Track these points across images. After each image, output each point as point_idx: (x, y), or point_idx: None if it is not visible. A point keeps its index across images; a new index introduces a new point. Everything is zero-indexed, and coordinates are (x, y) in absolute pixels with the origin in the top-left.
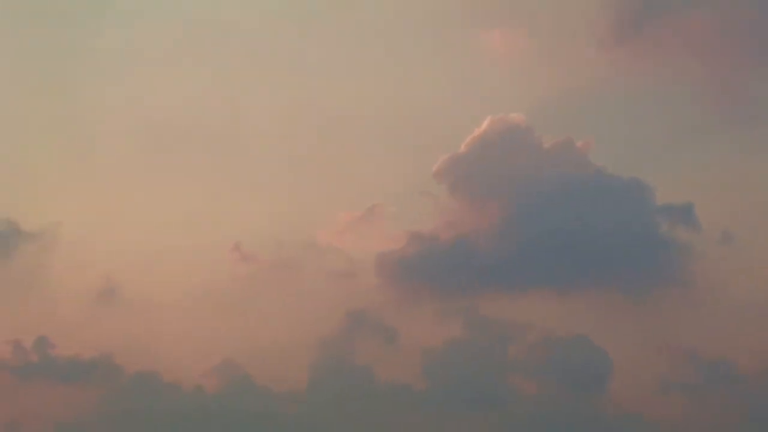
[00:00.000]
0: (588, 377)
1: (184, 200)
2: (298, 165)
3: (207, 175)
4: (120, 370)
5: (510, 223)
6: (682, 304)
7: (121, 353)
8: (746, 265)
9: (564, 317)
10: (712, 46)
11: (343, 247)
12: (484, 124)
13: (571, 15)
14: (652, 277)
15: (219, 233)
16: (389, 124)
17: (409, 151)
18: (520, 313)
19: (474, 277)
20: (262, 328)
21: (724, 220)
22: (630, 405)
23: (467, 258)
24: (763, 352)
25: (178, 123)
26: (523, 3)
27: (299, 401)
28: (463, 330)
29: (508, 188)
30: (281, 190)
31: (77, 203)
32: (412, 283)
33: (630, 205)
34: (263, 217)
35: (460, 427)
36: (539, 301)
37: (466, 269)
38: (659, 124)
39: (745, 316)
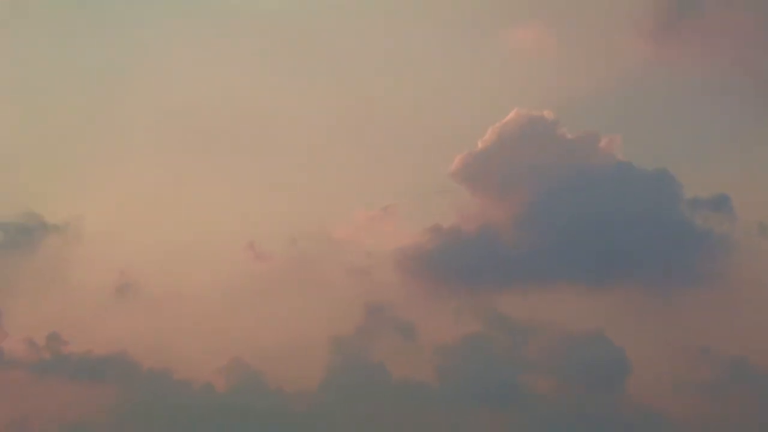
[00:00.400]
0: (606, 376)
1: (204, 196)
2: (318, 162)
3: (227, 172)
4: (134, 367)
5: (532, 218)
6: (711, 301)
7: (135, 350)
8: None
9: (584, 314)
10: (746, 39)
11: (361, 243)
12: (506, 119)
13: (601, 10)
14: (680, 273)
15: (235, 230)
16: (414, 120)
17: (432, 148)
18: (538, 310)
19: (493, 273)
20: (277, 325)
21: (761, 211)
22: (649, 404)
23: (487, 253)
24: None
25: (202, 119)
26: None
27: (311, 400)
28: (481, 326)
29: (530, 182)
30: (300, 186)
31: (100, 197)
32: (430, 278)
33: (658, 198)
34: (279, 214)
35: (476, 426)
36: (559, 297)
37: (485, 265)
38: (689, 118)
39: None
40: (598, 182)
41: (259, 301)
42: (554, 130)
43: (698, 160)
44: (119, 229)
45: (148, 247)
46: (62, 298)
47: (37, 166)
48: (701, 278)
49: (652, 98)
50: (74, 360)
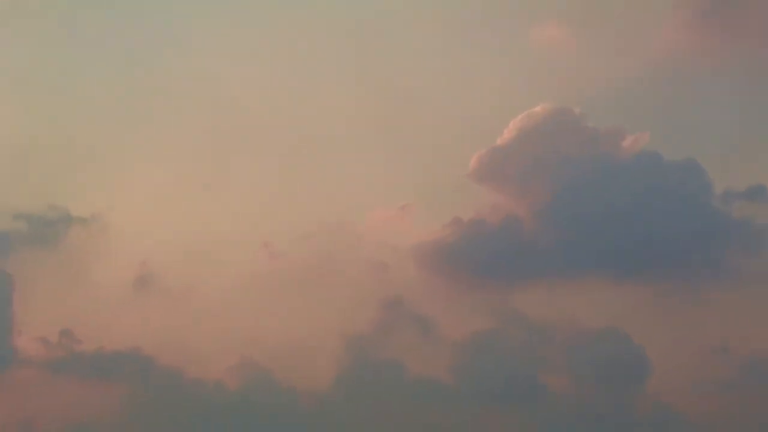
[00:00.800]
0: (625, 374)
1: (225, 192)
2: (337, 158)
3: (249, 169)
4: (149, 363)
5: (554, 211)
6: (737, 298)
7: (150, 346)
8: None
9: (604, 310)
10: None
11: (380, 239)
12: (532, 111)
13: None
14: (708, 267)
15: (253, 227)
16: (436, 116)
17: (453, 144)
18: (557, 307)
19: (512, 268)
20: (293, 322)
21: None
22: (669, 403)
23: (507, 248)
24: None
25: (227, 116)
26: None
27: (325, 398)
28: (499, 323)
29: (553, 175)
30: (321, 183)
31: (125, 191)
32: (449, 273)
33: (687, 191)
34: (297, 211)
35: (493, 424)
36: (578, 293)
37: (504, 260)
38: (719, 110)
39: None
40: (623, 174)
41: (275, 298)
42: (580, 123)
43: (731, 152)
44: (142, 222)
45: (169, 241)
46: (80, 293)
47: (63, 159)
48: (730, 273)
49: (680, 90)
50: (88, 357)
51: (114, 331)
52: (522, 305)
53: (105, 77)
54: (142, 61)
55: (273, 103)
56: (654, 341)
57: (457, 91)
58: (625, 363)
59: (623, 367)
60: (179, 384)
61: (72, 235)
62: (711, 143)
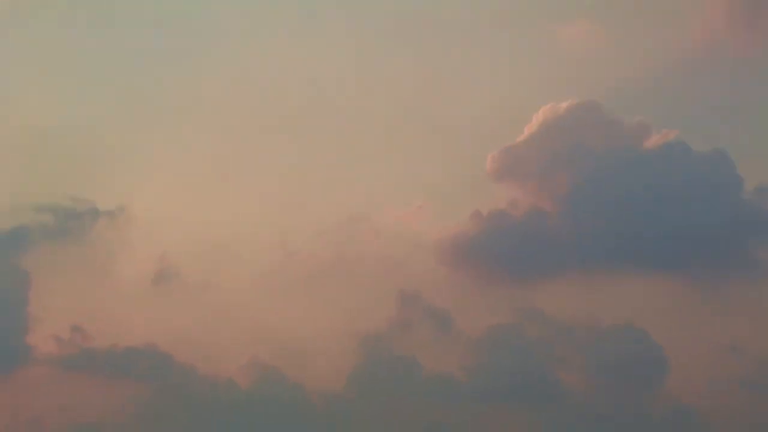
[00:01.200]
0: (643, 372)
1: (246, 187)
2: (359, 153)
3: (271, 163)
4: (166, 359)
5: (574, 206)
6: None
7: (166, 343)
8: None
9: (622, 308)
10: None
11: (399, 234)
12: (552, 108)
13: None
14: (733, 262)
15: (271, 224)
16: (461, 110)
17: (476, 138)
18: (576, 303)
19: (532, 263)
20: (311, 317)
21: None
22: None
23: (526, 243)
24: None
25: (251, 111)
26: None
27: (338, 395)
28: (515, 319)
29: (574, 169)
30: (340, 178)
31: (149, 184)
32: (468, 269)
33: (715, 183)
34: (315, 208)
35: (511, 422)
36: (597, 289)
37: (523, 254)
38: (747, 104)
39: None
40: (649, 166)
41: (292, 294)
42: (606, 117)
43: (761, 145)
44: (162, 216)
45: (189, 235)
46: (98, 289)
47: (88, 151)
48: (756, 268)
49: (709, 83)
50: (102, 354)
51: (130, 328)
52: (540, 301)
53: (130, 70)
54: (168, 54)
55: (293, 100)
56: (673, 338)
57: (484, 86)
58: (643, 361)
59: (642, 365)
60: (193, 381)
61: (93, 228)
62: (740, 136)
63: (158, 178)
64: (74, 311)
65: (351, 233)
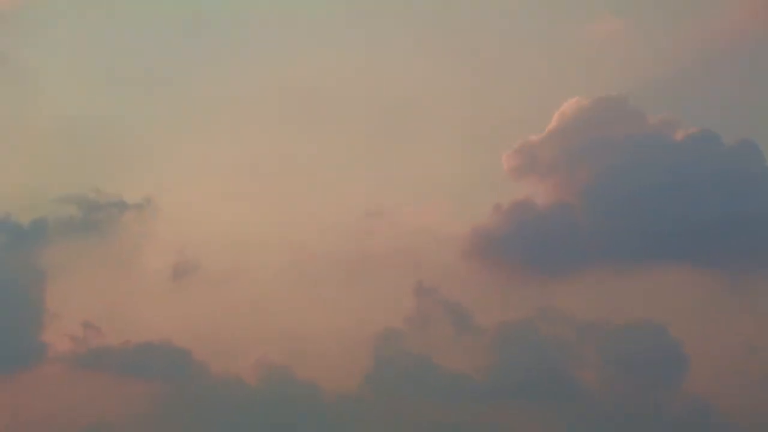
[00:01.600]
0: (662, 370)
1: (264, 182)
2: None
3: (295, 157)
4: (183, 356)
5: (597, 199)
6: None
7: (183, 339)
8: None
9: (641, 304)
10: None
11: (419, 229)
12: (577, 102)
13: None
14: (762, 258)
15: (290, 219)
16: (484, 105)
17: (499, 132)
18: (593, 300)
19: (552, 258)
20: (328, 313)
21: None
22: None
23: (548, 238)
24: None
25: (275, 105)
26: None
27: (355, 393)
28: (533, 317)
29: (598, 162)
30: (358, 174)
31: (174, 178)
32: (489, 265)
33: (744, 175)
34: (333, 204)
35: (528, 420)
36: (614, 285)
37: (542, 250)
38: None
39: None
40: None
41: (311, 290)
42: (632, 112)
43: None
44: (187, 210)
45: (211, 229)
46: (115, 284)
47: (115, 143)
48: None
49: (737, 77)
50: (118, 351)
51: (146, 324)
52: (559, 297)
53: (160, 64)
54: (198, 50)
55: (316, 93)
56: (694, 335)
57: (510, 82)
58: (663, 359)
59: (659, 363)
60: (208, 378)
61: (117, 221)
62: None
63: (183, 172)
64: (90, 307)
65: (369, 229)
